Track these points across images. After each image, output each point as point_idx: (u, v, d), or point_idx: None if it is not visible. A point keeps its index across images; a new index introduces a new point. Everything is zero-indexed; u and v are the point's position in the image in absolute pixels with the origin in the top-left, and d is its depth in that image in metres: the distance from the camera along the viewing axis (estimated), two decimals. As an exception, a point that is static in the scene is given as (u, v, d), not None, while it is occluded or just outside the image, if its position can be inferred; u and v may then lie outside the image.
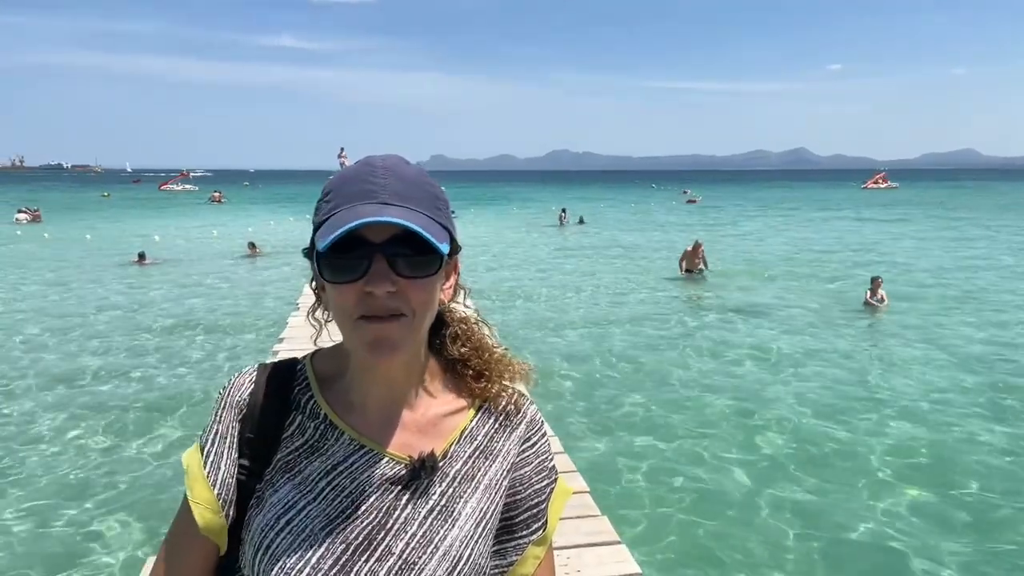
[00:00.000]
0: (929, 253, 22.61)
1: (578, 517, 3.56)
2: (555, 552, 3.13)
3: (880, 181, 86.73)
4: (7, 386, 9.07)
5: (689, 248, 18.13)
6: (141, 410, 8.06)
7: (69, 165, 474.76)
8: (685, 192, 71.53)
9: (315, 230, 0.90)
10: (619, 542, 3.33)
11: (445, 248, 0.88)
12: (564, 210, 35.78)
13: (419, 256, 0.87)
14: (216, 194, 61.30)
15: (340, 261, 0.87)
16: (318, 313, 1.00)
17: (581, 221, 34.10)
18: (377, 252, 0.86)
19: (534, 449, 1.06)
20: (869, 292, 14.15)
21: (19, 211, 36.53)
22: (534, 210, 45.85)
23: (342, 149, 34.78)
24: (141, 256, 19.79)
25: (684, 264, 17.99)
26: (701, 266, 17.80)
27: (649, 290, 16.11)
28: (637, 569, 3.10)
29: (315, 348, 1.05)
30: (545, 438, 1.09)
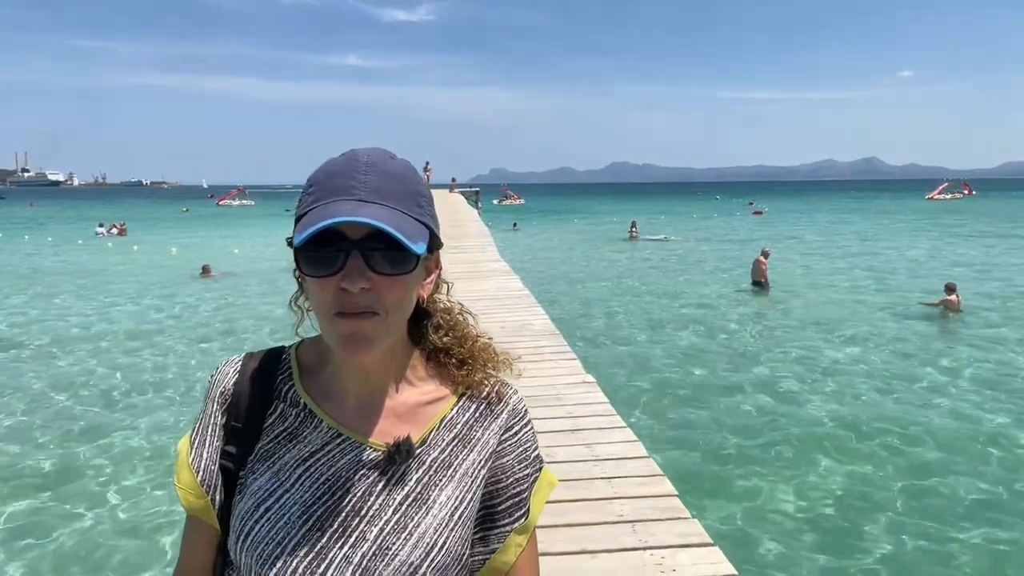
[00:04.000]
0: None
1: (669, 519, 3.62)
2: (649, 552, 3.22)
3: (965, 189, 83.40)
4: (94, 391, 9.66)
5: (758, 258, 17.89)
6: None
7: (148, 182, 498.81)
8: (751, 204, 70.19)
9: (296, 221, 0.91)
10: (712, 544, 3.38)
11: (421, 248, 0.88)
12: (634, 224, 34.87)
13: (395, 253, 0.87)
14: None
15: (317, 256, 0.88)
16: (300, 301, 1.01)
17: (666, 239, 32.25)
18: (353, 249, 0.86)
19: (516, 438, 1.06)
20: (940, 299, 13.75)
21: (112, 226, 38.82)
22: (599, 224, 45.59)
23: (427, 163, 35.31)
24: (205, 268, 20.49)
25: (752, 276, 17.75)
26: (761, 279, 17.49)
27: (718, 302, 15.98)
28: (733, 570, 3.15)
29: (299, 338, 1.07)
30: (529, 427, 1.08)
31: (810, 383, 9.58)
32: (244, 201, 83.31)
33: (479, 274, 11.75)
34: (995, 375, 9.84)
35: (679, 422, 8.08)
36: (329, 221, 0.84)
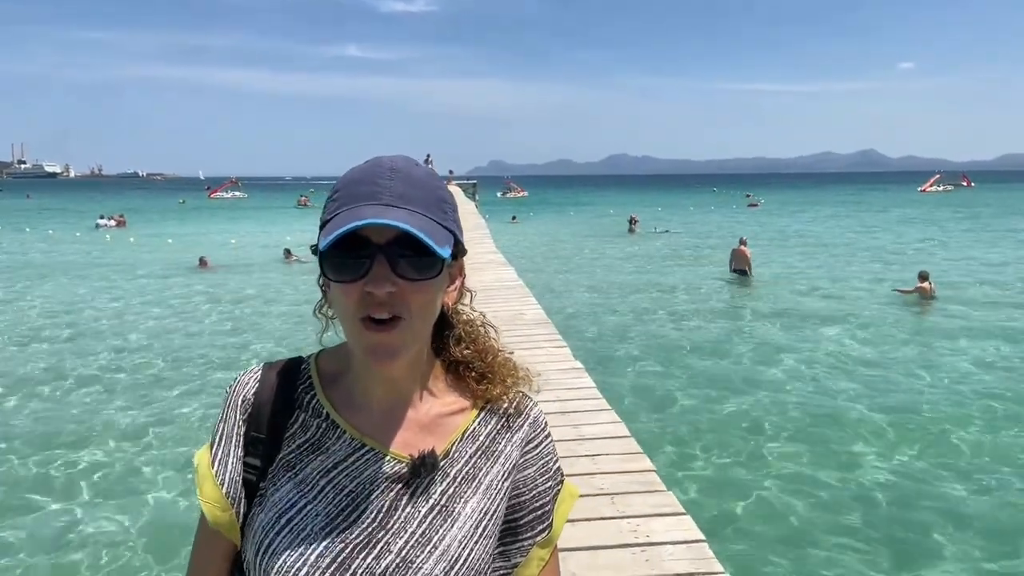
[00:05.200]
0: None
1: (646, 492, 3.90)
2: (625, 520, 3.51)
3: (964, 182, 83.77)
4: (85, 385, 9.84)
5: (735, 247, 18.31)
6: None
7: (144, 173, 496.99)
8: (747, 196, 70.49)
9: (321, 227, 0.91)
10: (685, 513, 3.66)
11: (446, 252, 0.88)
12: (633, 217, 34.02)
13: (420, 258, 0.87)
14: (303, 198, 62.34)
15: (342, 260, 0.88)
16: (324, 309, 1.01)
17: (667, 232, 31.90)
18: (379, 253, 0.86)
19: (537, 451, 1.06)
20: (914, 286, 14.43)
21: (111, 218, 39.04)
22: (598, 216, 45.62)
23: (428, 155, 35.34)
24: (202, 260, 20.76)
25: (732, 264, 18.13)
26: (745, 267, 17.79)
27: (707, 291, 16.39)
28: (701, 536, 3.43)
29: (320, 348, 1.07)
30: (549, 440, 1.08)
31: (789, 364, 10.14)
32: (236, 193, 79.96)
33: (475, 265, 12.01)
34: (960, 353, 10.51)
35: (662, 404, 8.56)
36: (356, 223, 0.84)
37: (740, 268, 17.79)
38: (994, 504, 5.95)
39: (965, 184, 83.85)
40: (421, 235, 0.84)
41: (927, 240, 28.00)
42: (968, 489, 6.20)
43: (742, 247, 17.99)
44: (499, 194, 70.66)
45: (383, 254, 0.86)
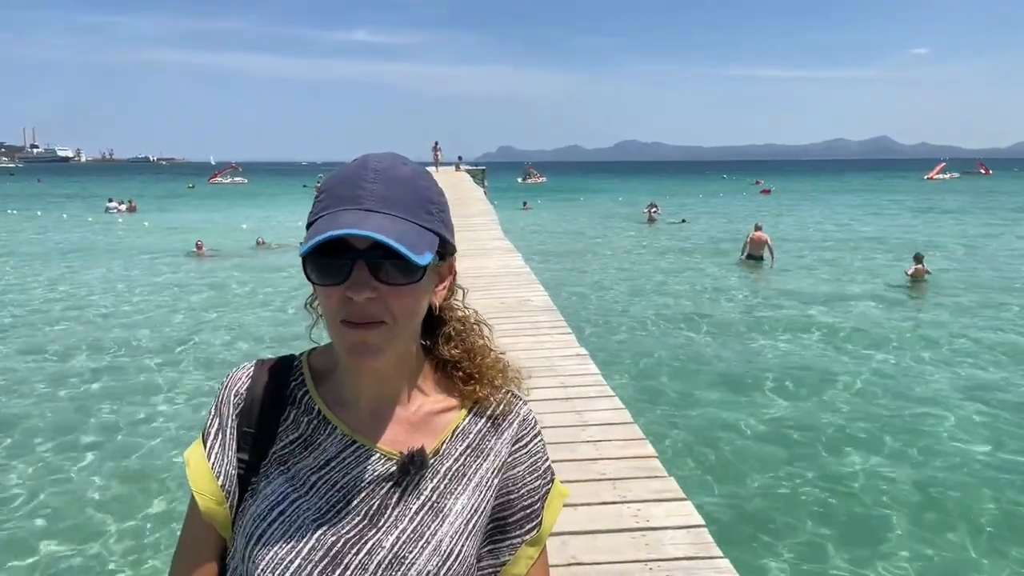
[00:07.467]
0: None
1: (647, 477, 3.93)
2: (626, 505, 3.55)
3: (982, 169, 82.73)
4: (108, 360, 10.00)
5: (751, 233, 18.25)
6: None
7: (154, 158, 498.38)
8: (758, 182, 70.10)
9: (307, 228, 0.91)
10: (685, 499, 3.68)
11: (426, 259, 0.87)
12: (653, 205, 32.28)
13: (401, 263, 0.86)
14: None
15: (323, 265, 0.88)
16: (316, 304, 1.00)
17: (683, 221, 30.61)
18: (359, 258, 0.86)
19: (527, 449, 1.07)
20: (911, 268, 14.90)
21: (120, 202, 39.30)
22: (610, 203, 45.41)
23: (436, 143, 35.08)
24: (199, 246, 20.94)
25: (748, 250, 18.06)
26: (763, 252, 17.69)
27: (713, 278, 16.39)
28: (701, 521, 3.46)
29: (312, 346, 1.07)
30: (539, 438, 1.09)
31: (796, 353, 10.14)
32: (236, 179, 79.02)
33: (482, 252, 12.01)
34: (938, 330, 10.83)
35: (667, 389, 8.63)
36: (330, 233, 0.84)
37: (757, 254, 17.74)
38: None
39: (983, 172, 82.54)
40: (396, 245, 0.83)
41: (933, 225, 27.84)
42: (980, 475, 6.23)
43: (758, 232, 17.94)
44: (520, 180, 71.24)
45: (363, 259, 0.86)
